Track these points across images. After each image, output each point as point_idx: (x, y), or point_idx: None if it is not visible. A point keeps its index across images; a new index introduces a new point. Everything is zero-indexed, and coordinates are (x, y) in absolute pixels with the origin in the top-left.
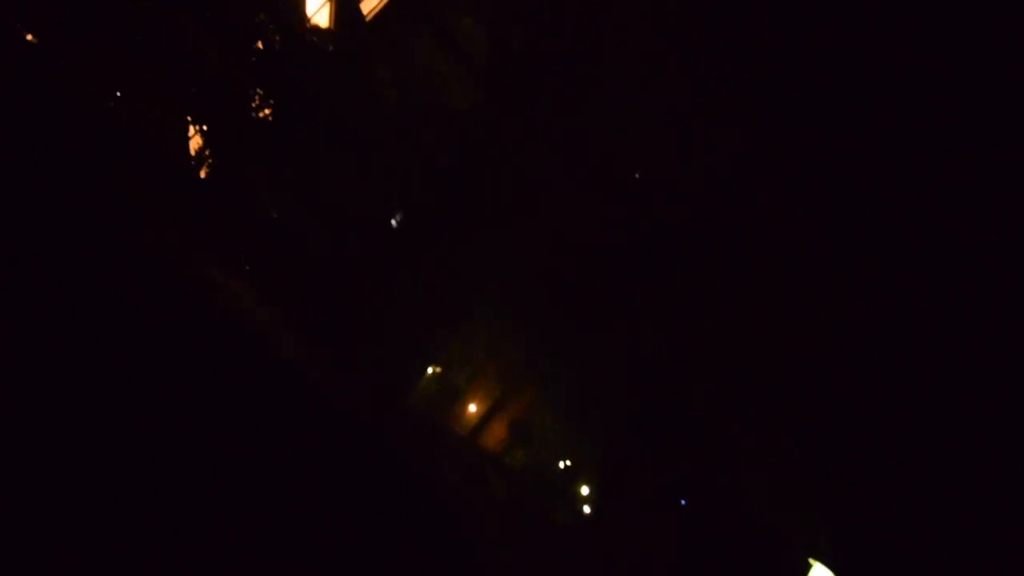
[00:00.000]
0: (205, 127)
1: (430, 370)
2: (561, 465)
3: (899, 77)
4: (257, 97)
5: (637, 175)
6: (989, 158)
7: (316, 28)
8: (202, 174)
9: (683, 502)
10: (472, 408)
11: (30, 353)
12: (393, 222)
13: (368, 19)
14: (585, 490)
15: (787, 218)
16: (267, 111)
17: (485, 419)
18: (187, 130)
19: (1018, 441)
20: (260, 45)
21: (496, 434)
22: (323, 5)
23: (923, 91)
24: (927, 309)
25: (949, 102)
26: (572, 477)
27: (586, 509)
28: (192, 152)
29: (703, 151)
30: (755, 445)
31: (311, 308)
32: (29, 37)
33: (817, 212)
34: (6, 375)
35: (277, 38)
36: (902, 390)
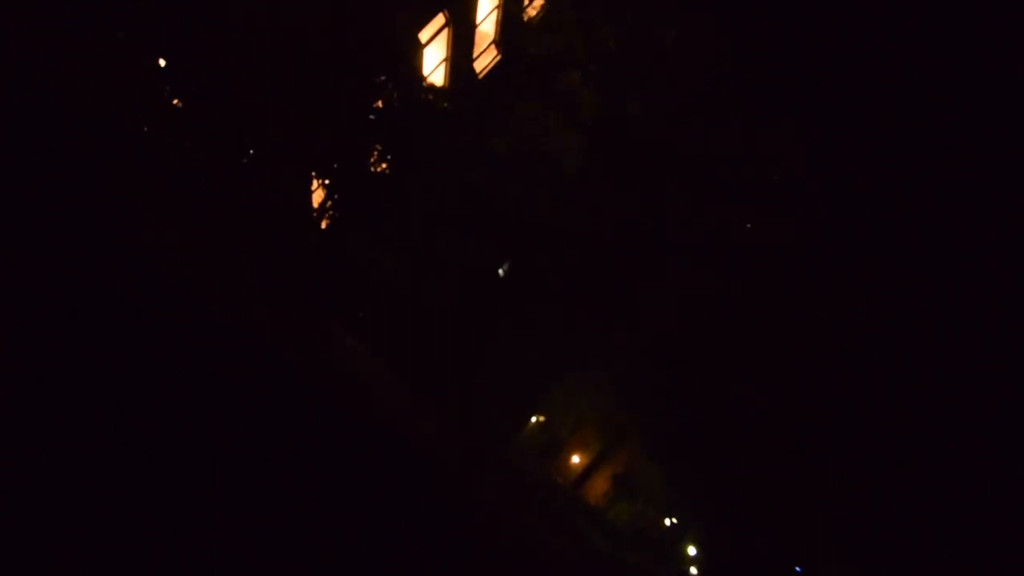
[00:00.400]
0: (327, 181)
1: (534, 419)
2: (667, 523)
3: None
4: (375, 153)
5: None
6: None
7: (432, 87)
8: (323, 225)
9: (798, 569)
10: (575, 459)
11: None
12: (501, 271)
13: (480, 77)
14: (692, 550)
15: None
16: (384, 166)
17: (588, 471)
18: (310, 184)
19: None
20: (380, 104)
21: (599, 487)
22: (439, 64)
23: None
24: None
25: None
26: (678, 535)
27: (693, 571)
28: (315, 205)
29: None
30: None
31: (417, 356)
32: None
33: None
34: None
35: (395, 95)
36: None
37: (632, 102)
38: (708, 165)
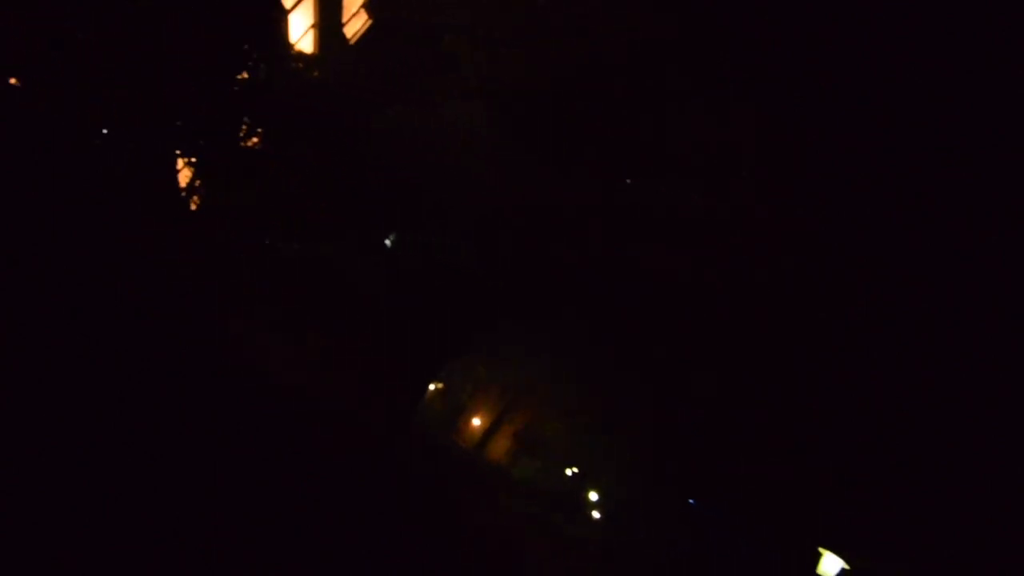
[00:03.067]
0: (193, 159)
1: (432, 387)
2: (569, 472)
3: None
4: (244, 127)
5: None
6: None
7: (301, 54)
8: (192, 206)
9: (691, 501)
10: (476, 422)
11: (28, 351)
12: (387, 242)
13: (352, 43)
14: (594, 496)
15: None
16: (255, 140)
17: (490, 432)
18: (175, 163)
19: (1013, 431)
20: (245, 75)
21: (501, 446)
22: (307, 31)
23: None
24: (926, 308)
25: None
26: (580, 483)
27: (595, 515)
28: (183, 185)
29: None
30: (759, 441)
31: (314, 331)
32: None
33: (817, 213)
34: (3, 373)
35: (262, 65)
36: (898, 381)
37: (523, 66)
38: (614, 133)
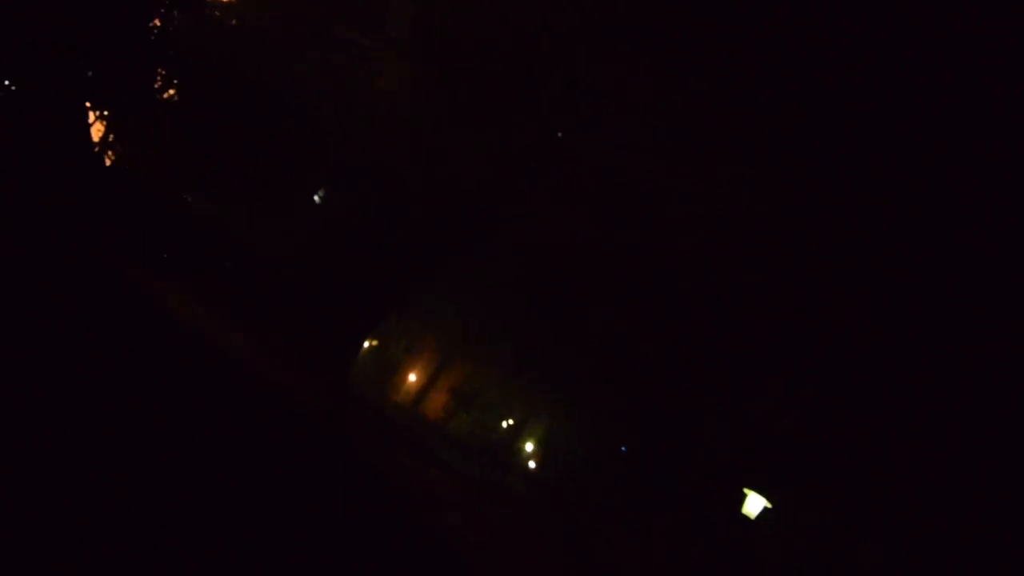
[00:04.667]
0: (106, 112)
1: (366, 344)
2: (505, 424)
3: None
4: (159, 78)
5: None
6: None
7: (218, 1)
8: (107, 161)
9: (623, 448)
10: (412, 378)
11: None
12: (316, 198)
13: None
14: (530, 446)
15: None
16: (172, 92)
17: (426, 388)
18: (87, 116)
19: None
20: (158, 23)
21: (438, 402)
22: None
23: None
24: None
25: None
26: (517, 434)
27: (532, 464)
28: (96, 139)
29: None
30: (688, 390)
31: (237, 295)
32: None
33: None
34: None
35: (175, 14)
36: (816, 325)
37: (453, 23)
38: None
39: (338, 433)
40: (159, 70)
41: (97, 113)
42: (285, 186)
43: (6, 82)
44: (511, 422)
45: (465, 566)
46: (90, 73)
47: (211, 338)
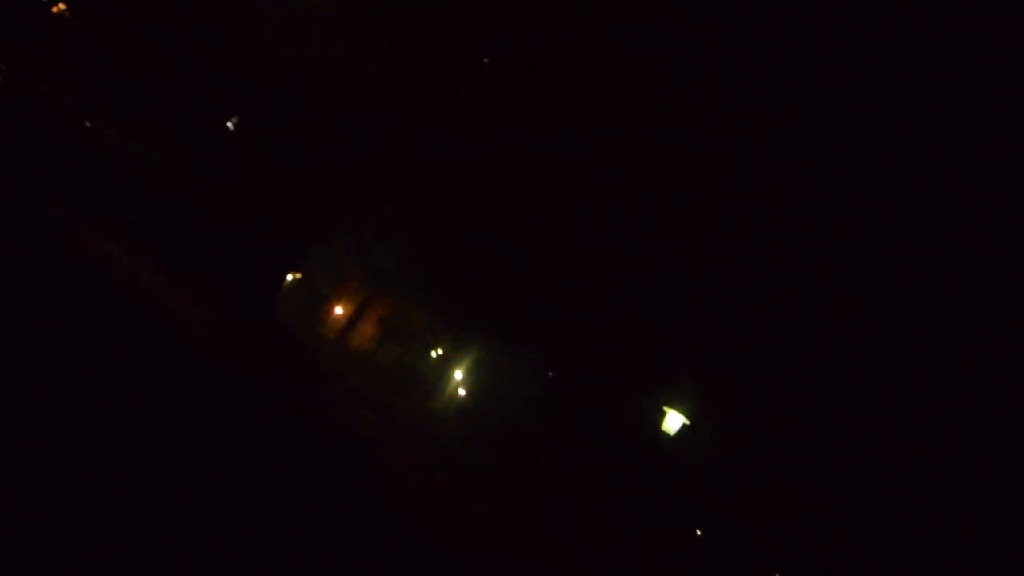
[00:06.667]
0: None
1: (291, 277)
2: (434, 354)
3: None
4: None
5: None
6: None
7: None
8: None
9: (550, 373)
10: (339, 311)
11: None
12: (230, 124)
13: None
14: (459, 374)
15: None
16: (61, 6)
17: (353, 319)
18: None
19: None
20: None
21: (366, 333)
22: None
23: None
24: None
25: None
26: (446, 364)
27: (461, 392)
28: None
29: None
30: (612, 315)
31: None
32: None
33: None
34: None
35: None
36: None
37: None
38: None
39: (253, 361)
40: None
41: None
42: (194, 111)
43: None
44: (440, 352)
45: (405, 511)
46: None
47: (122, 276)
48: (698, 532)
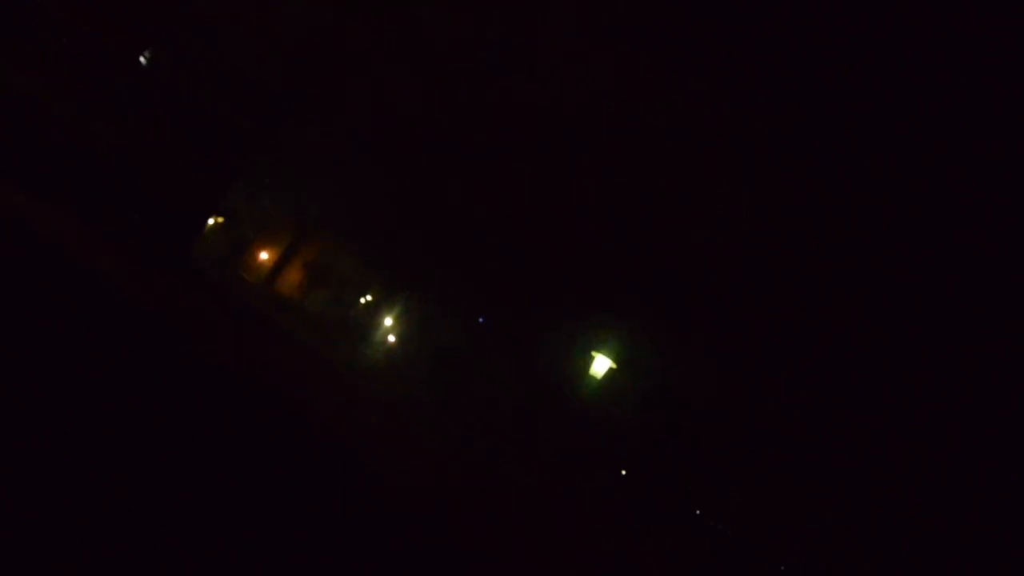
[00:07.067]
0: None
1: (212, 221)
2: (363, 301)
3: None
4: None
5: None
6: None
7: None
8: None
9: (480, 319)
10: (263, 256)
11: None
12: (142, 59)
13: None
14: (388, 321)
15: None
16: None
17: (279, 265)
18: None
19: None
20: None
21: (293, 279)
22: None
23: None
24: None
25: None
26: (375, 311)
27: (391, 339)
28: None
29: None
30: (541, 265)
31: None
32: None
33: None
34: None
35: None
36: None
37: None
38: None
39: (175, 311)
40: None
41: None
42: (102, 44)
43: None
44: (369, 298)
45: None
46: None
47: (34, 228)
48: (623, 472)
